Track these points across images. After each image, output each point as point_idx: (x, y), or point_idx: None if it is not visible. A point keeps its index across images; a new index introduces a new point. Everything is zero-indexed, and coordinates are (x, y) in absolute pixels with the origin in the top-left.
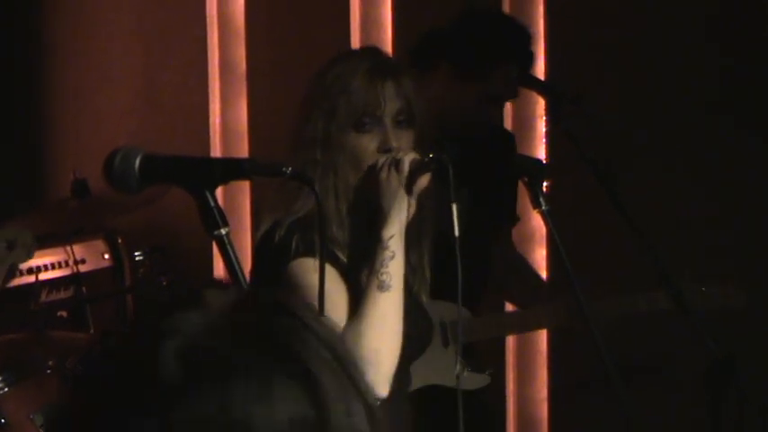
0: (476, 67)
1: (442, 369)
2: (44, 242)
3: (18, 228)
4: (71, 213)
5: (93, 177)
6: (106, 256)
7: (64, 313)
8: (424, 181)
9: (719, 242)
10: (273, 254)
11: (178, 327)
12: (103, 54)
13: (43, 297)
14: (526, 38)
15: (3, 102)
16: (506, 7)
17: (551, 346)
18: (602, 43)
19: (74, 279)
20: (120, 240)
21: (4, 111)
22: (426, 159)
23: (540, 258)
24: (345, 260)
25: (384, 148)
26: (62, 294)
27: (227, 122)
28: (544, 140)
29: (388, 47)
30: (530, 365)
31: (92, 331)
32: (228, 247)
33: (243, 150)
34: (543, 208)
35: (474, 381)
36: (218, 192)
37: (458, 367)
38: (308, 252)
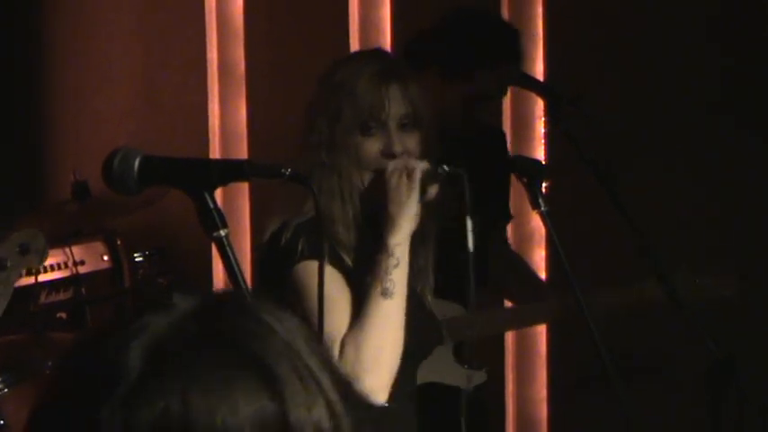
0: (460, 67)
1: (441, 367)
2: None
3: (31, 232)
4: (71, 215)
5: (92, 178)
6: (105, 258)
7: (63, 314)
8: (433, 191)
9: (719, 242)
10: (279, 256)
11: (146, 326)
12: (103, 55)
13: (43, 298)
14: (511, 37)
15: (3, 102)
16: (505, 8)
17: (551, 347)
18: (602, 43)
19: (73, 280)
20: (119, 242)
21: (4, 111)
22: (440, 170)
23: (539, 259)
24: (351, 262)
25: (387, 152)
26: (61, 296)
27: (226, 123)
28: (543, 141)
29: (386, 48)
30: (529, 366)
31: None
32: (228, 248)
33: (242, 151)
34: (542, 209)
35: (471, 378)
36: (218, 193)
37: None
38: (314, 255)
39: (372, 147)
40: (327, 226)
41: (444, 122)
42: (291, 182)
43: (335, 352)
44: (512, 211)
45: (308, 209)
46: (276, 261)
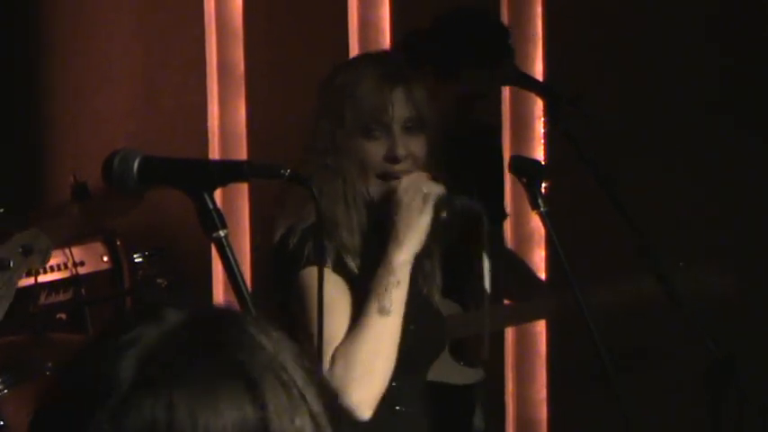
0: (453, 67)
1: (440, 365)
2: None
3: (34, 233)
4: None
5: (92, 178)
6: (105, 259)
7: (63, 315)
8: (443, 215)
9: (719, 242)
10: (287, 261)
11: (138, 338)
12: (103, 55)
13: (42, 299)
14: (503, 36)
15: (2, 102)
16: (504, 8)
17: (550, 347)
18: (602, 43)
19: (73, 281)
20: (118, 243)
21: (4, 111)
22: (457, 202)
23: (538, 259)
24: (356, 268)
25: (391, 155)
26: (61, 297)
27: (226, 124)
28: (543, 141)
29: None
30: (529, 366)
31: (90, 333)
32: (227, 249)
33: (241, 152)
34: (542, 209)
35: (466, 375)
36: (217, 194)
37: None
38: (319, 259)
39: (376, 150)
40: (331, 230)
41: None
42: (291, 182)
43: (327, 361)
44: (510, 210)
45: (309, 212)
46: (283, 265)
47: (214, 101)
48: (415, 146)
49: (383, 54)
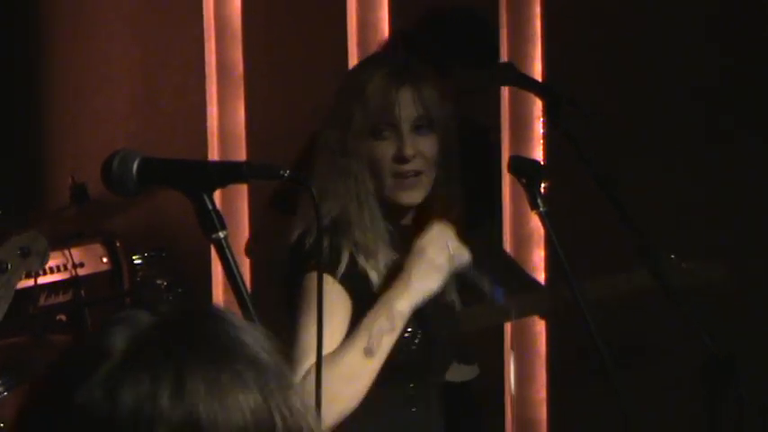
0: (437, 64)
1: None
2: None
3: (33, 235)
4: (70, 218)
5: (91, 179)
6: (105, 260)
7: (63, 317)
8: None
9: (719, 242)
10: (302, 261)
11: (129, 317)
12: (102, 56)
13: (42, 301)
14: (488, 34)
15: (2, 103)
16: (503, 8)
17: (550, 347)
18: (601, 43)
19: (73, 283)
20: (118, 244)
21: (4, 111)
22: (485, 283)
23: (538, 260)
24: (368, 267)
25: (399, 155)
26: (61, 298)
27: (225, 125)
28: (542, 141)
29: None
30: (529, 366)
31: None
32: (227, 250)
33: (240, 153)
34: (541, 209)
35: (462, 372)
36: (216, 195)
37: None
38: (327, 266)
39: (385, 151)
40: (344, 229)
41: None
42: (290, 183)
43: (303, 369)
44: (509, 210)
45: (326, 211)
46: (298, 265)
47: (213, 102)
48: (425, 145)
49: (392, 54)
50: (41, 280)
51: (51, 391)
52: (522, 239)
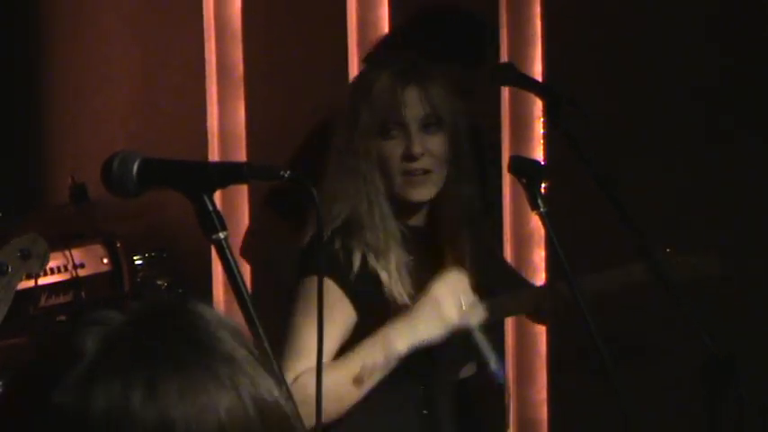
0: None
1: None
2: None
3: (33, 237)
4: (70, 219)
5: (91, 179)
6: (105, 261)
7: (63, 318)
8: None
9: (719, 242)
10: (308, 263)
11: (101, 318)
12: (102, 56)
13: (42, 302)
14: (478, 31)
15: (2, 102)
16: (503, 8)
17: (550, 347)
18: (601, 43)
19: (73, 283)
20: (118, 245)
21: (3, 111)
22: (489, 357)
23: (538, 260)
24: (379, 267)
25: (407, 154)
26: (61, 299)
27: (225, 125)
28: (542, 141)
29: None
30: (529, 366)
31: None
32: (227, 250)
33: (240, 154)
34: (541, 210)
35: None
36: (217, 195)
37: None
38: (336, 270)
39: (394, 150)
40: (355, 230)
41: None
42: (290, 184)
43: (293, 371)
44: (509, 211)
45: (337, 213)
46: (304, 267)
47: (213, 102)
48: (433, 143)
49: (399, 53)
50: (42, 281)
51: (26, 392)
52: (522, 239)
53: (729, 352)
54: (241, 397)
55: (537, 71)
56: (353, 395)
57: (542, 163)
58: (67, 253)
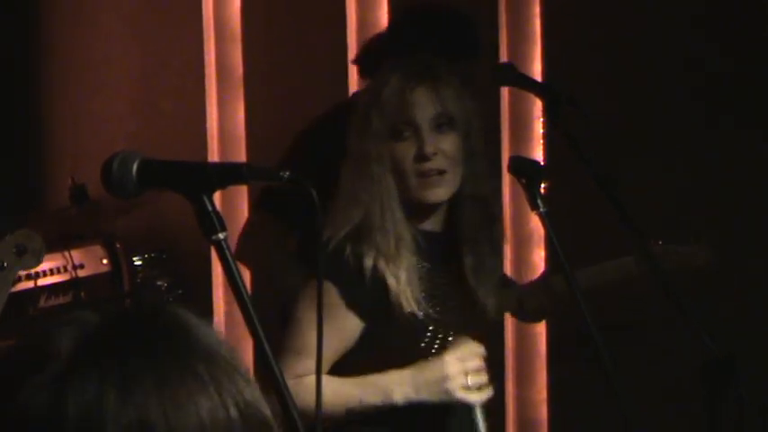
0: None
1: None
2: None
3: (28, 233)
4: (70, 220)
5: (91, 180)
6: (105, 261)
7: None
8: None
9: (719, 242)
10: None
11: (76, 319)
12: (101, 57)
13: (42, 302)
14: (465, 28)
15: (1, 102)
16: (502, 7)
17: (550, 347)
18: (601, 43)
19: (73, 284)
20: (118, 245)
21: (3, 111)
22: (476, 415)
23: (538, 260)
24: (389, 273)
25: (419, 154)
26: (61, 299)
27: (225, 126)
28: (542, 141)
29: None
30: (529, 367)
31: None
32: (227, 251)
33: (240, 154)
34: (541, 210)
35: None
36: (216, 196)
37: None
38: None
39: (406, 151)
40: (366, 235)
41: None
42: (290, 185)
43: (294, 370)
44: (509, 211)
45: (351, 217)
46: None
47: (213, 103)
48: (446, 143)
49: (412, 54)
50: (41, 281)
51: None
52: (522, 239)
53: (729, 352)
54: (223, 398)
55: (536, 71)
56: (341, 418)
57: (542, 163)
58: (67, 254)
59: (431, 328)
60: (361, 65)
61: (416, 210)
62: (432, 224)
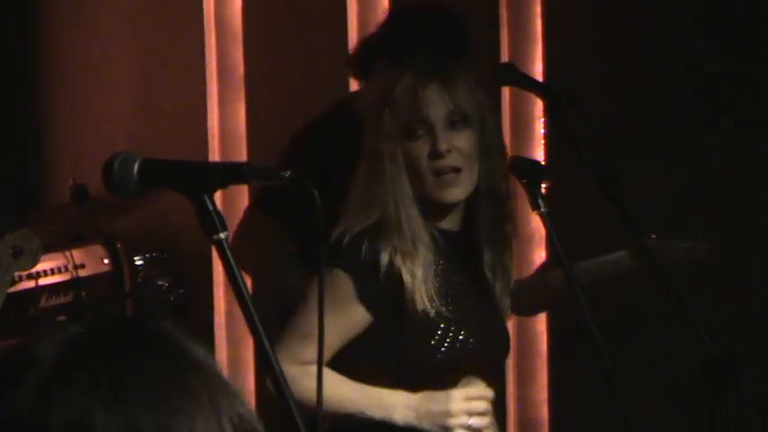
0: (404, 55)
1: None
2: (43, 247)
3: (25, 234)
4: (71, 219)
5: (91, 180)
6: (106, 261)
7: (64, 318)
8: None
9: (719, 242)
10: (329, 254)
11: (61, 328)
12: (102, 57)
13: (43, 302)
14: (454, 25)
15: (2, 103)
16: (503, 7)
17: (551, 347)
18: (601, 43)
19: (73, 284)
20: (119, 245)
21: (4, 111)
22: None
23: (538, 260)
24: (405, 270)
25: (433, 151)
26: (62, 299)
27: (226, 126)
28: (542, 141)
29: None
30: (530, 366)
31: None
32: (227, 251)
33: (241, 154)
34: (542, 210)
35: None
36: (217, 196)
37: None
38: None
39: (421, 149)
40: (383, 233)
41: None
42: (291, 185)
43: (290, 356)
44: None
45: (368, 215)
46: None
47: (214, 103)
48: (460, 140)
49: (424, 53)
50: (42, 281)
51: None
52: (522, 240)
53: (729, 352)
54: (216, 410)
55: (537, 70)
56: (338, 418)
57: (542, 163)
58: (68, 253)
59: (442, 326)
60: (353, 66)
61: (433, 209)
62: (449, 223)
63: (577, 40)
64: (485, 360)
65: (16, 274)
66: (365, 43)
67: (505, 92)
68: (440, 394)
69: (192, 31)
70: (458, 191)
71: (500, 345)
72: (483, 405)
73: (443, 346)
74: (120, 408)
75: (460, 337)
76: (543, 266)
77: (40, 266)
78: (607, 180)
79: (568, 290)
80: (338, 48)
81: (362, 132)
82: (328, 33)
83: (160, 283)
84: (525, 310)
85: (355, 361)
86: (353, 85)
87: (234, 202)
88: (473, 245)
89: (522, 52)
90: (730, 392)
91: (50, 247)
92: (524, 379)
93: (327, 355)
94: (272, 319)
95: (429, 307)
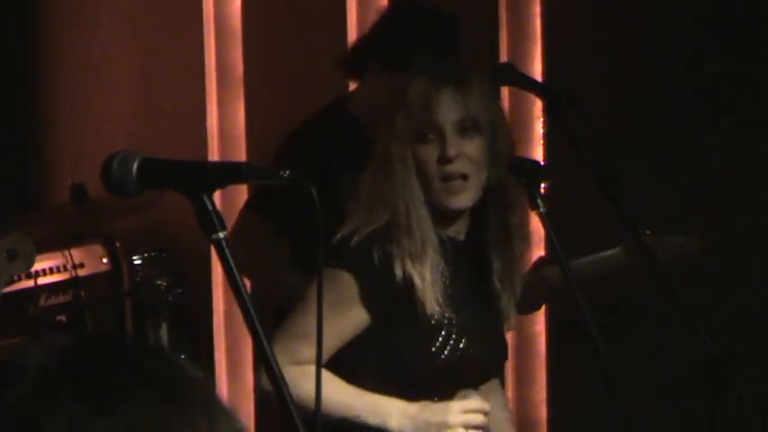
0: (397, 55)
1: None
2: (42, 247)
3: (19, 237)
4: (70, 219)
5: (91, 179)
6: (105, 261)
7: (63, 318)
8: None
9: (719, 242)
10: (331, 258)
11: (47, 340)
12: (101, 57)
13: (42, 302)
14: (446, 25)
15: (1, 102)
16: (503, 8)
17: (550, 347)
18: (601, 43)
19: (72, 283)
20: (118, 245)
21: (3, 111)
22: None
23: None
24: (413, 271)
25: (442, 156)
26: (61, 299)
27: (225, 126)
28: (542, 141)
29: None
30: (529, 367)
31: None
32: (226, 250)
33: (240, 154)
34: (541, 210)
35: None
36: (216, 195)
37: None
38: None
39: (430, 154)
40: (393, 235)
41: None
42: (289, 184)
43: (287, 355)
44: None
45: (378, 216)
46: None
47: (213, 103)
48: (470, 147)
49: (438, 56)
50: (41, 281)
51: None
52: None
53: (729, 352)
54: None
55: (537, 70)
56: (334, 421)
57: (542, 163)
58: (67, 253)
59: (443, 332)
60: (346, 67)
61: (440, 215)
62: (455, 231)
63: (577, 40)
64: (483, 370)
65: (10, 277)
66: (357, 45)
67: (505, 92)
68: (438, 405)
69: (191, 31)
70: (463, 199)
71: (498, 357)
72: (480, 418)
73: (444, 353)
74: (117, 417)
75: (461, 346)
76: (538, 263)
77: (39, 266)
78: (607, 180)
79: (565, 287)
80: (338, 48)
81: (357, 132)
82: (328, 33)
83: (159, 282)
84: (521, 307)
85: (355, 364)
86: (353, 86)
87: (233, 201)
88: (478, 254)
89: (521, 52)
90: (730, 392)
91: (49, 247)
92: (523, 379)
93: (325, 356)
94: (271, 320)
95: (436, 311)
